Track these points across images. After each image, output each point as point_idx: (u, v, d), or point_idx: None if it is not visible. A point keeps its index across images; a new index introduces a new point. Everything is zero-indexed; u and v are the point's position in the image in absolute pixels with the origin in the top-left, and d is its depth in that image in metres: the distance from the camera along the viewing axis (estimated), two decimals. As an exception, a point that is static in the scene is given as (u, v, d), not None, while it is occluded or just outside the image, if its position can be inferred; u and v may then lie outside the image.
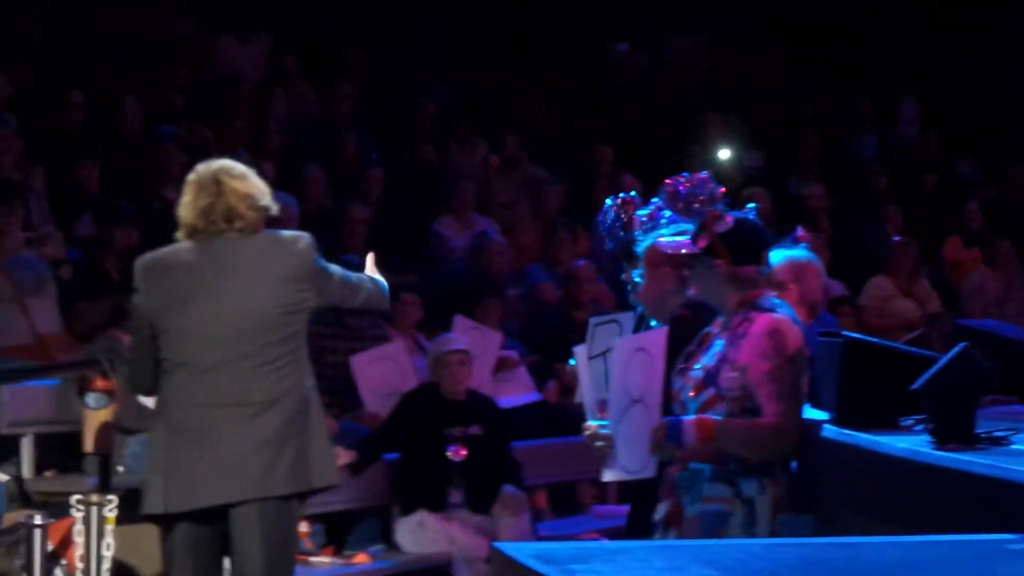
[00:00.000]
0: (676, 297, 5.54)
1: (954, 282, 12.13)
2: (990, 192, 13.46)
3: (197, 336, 5.54)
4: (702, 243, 5.32)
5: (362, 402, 9.04)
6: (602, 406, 5.56)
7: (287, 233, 5.67)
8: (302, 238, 5.61)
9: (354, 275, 5.79)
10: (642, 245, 5.61)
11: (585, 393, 5.74)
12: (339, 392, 9.06)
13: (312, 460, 5.49)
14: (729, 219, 5.33)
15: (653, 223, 5.64)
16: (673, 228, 5.58)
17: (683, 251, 5.39)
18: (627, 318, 5.96)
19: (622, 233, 5.89)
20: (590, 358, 5.88)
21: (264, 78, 12.38)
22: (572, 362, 6.01)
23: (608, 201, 5.95)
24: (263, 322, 5.49)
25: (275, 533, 5.45)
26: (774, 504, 5.20)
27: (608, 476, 5.39)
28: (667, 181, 5.51)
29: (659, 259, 5.55)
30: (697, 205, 5.41)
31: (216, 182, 5.57)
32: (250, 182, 5.61)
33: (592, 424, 5.56)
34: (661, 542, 5.02)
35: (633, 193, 5.90)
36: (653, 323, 5.78)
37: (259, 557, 5.41)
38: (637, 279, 5.63)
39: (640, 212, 5.71)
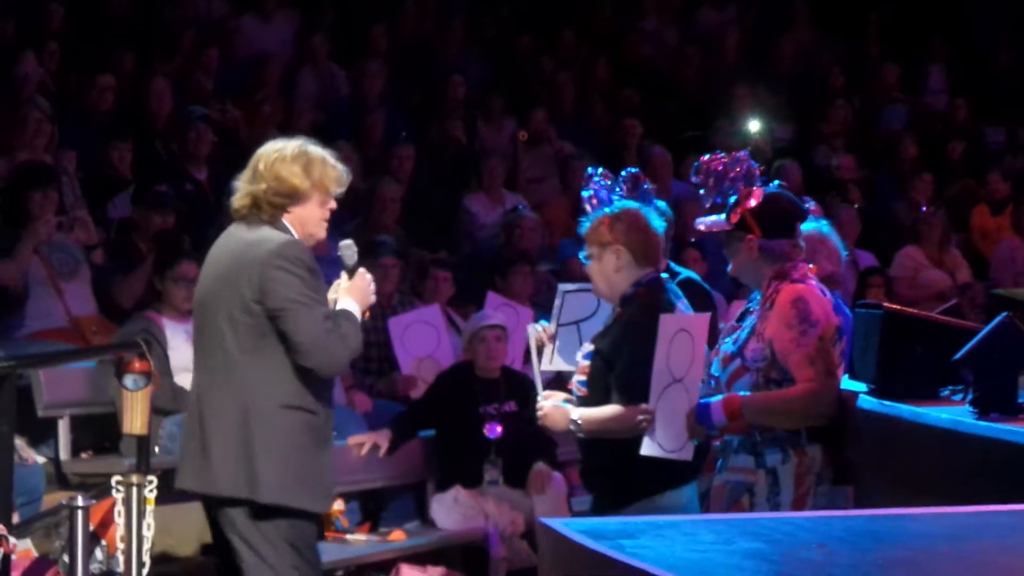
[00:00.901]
0: (627, 277, 5.54)
1: (983, 251, 12.09)
2: (1018, 160, 13.42)
3: (195, 319, 5.64)
4: (734, 219, 5.35)
5: (398, 366, 9.07)
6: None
7: (272, 233, 5.37)
8: (271, 242, 5.33)
9: (315, 323, 5.27)
10: (584, 225, 5.61)
11: (534, 367, 5.85)
12: (373, 362, 9.12)
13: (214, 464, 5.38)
14: (759, 193, 5.36)
15: (600, 203, 5.65)
16: (622, 205, 5.59)
17: (717, 229, 5.41)
18: None
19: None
20: (560, 325, 5.91)
21: (292, 57, 12.39)
22: (545, 322, 6.03)
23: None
24: (226, 316, 5.38)
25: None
26: (798, 473, 5.23)
27: (646, 450, 5.41)
28: (703, 159, 5.51)
29: (606, 239, 5.53)
30: (728, 183, 5.42)
31: (253, 166, 5.46)
32: (285, 169, 5.33)
33: (544, 403, 5.59)
34: (709, 516, 5.04)
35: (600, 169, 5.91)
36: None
37: None
38: (583, 260, 5.62)
39: (585, 192, 5.72)
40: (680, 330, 5.30)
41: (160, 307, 8.04)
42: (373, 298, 5.55)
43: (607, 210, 5.56)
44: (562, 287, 6.05)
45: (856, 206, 11.82)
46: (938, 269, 11.35)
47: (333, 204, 5.47)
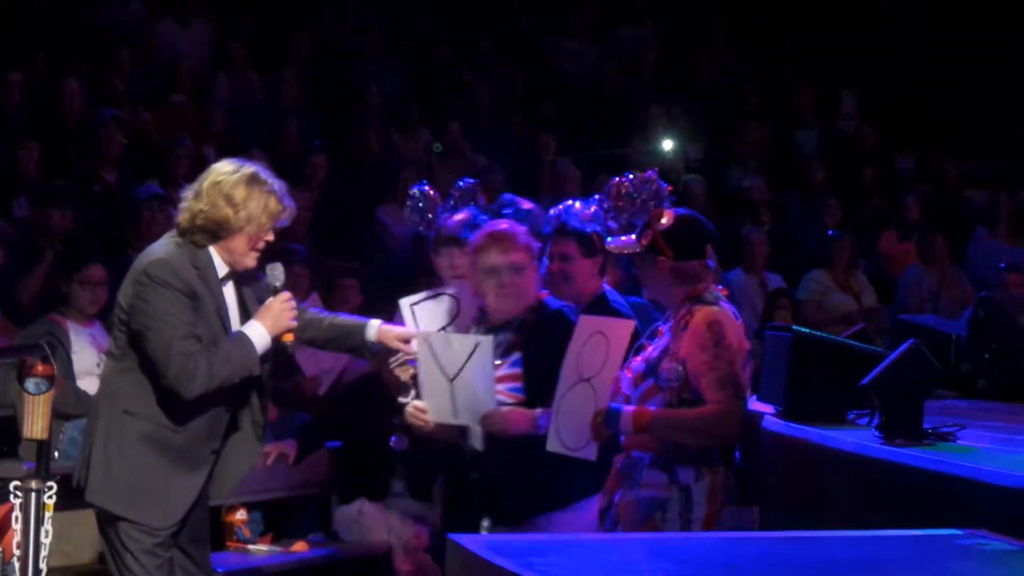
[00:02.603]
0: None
1: (890, 276, 12.20)
2: (927, 187, 13.56)
3: None
4: (645, 240, 5.38)
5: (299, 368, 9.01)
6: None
7: (159, 248, 5.40)
8: (142, 259, 5.37)
9: (172, 342, 5.25)
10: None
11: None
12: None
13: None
14: (671, 215, 5.40)
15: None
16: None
17: (628, 250, 5.45)
18: (462, 288, 5.92)
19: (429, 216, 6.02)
20: (451, 380, 5.84)
21: (208, 62, 12.30)
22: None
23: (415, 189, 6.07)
24: (113, 321, 5.48)
25: None
26: (711, 491, 5.25)
27: (550, 447, 5.45)
28: (612, 180, 5.56)
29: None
30: (640, 203, 5.46)
31: (200, 182, 5.43)
32: (221, 198, 5.32)
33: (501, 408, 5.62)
34: (618, 535, 5.04)
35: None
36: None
37: None
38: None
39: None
40: (597, 332, 5.35)
41: (65, 310, 7.93)
42: (292, 322, 5.46)
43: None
44: (404, 301, 5.97)
45: (766, 228, 11.89)
46: (844, 293, 11.44)
47: (269, 237, 5.42)
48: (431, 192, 6.10)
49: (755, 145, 13.53)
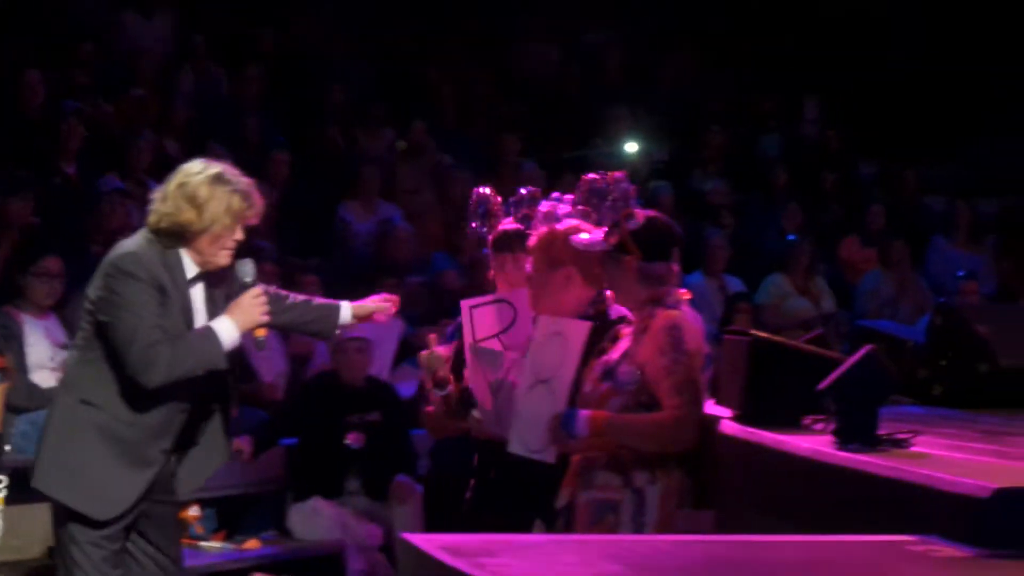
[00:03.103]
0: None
1: (850, 281, 12.25)
2: (887, 193, 13.62)
3: None
4: (613, 240, 5.37)
5: (257, 374, 8.99)
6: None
7: (129, 242, 5.41)
8: (112, 252, 5.38)
9: (136, 329, 5.23)
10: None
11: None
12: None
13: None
14: (640, 216, 5.39)
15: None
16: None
17: (597, 248, 5.44)
18: (519, 296, 5.89)
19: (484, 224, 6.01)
20: (478, 341, 5.87)
21: (170, 55, 12.25)
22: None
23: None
24: (82, 313, 5.48)
25: None
26: (664, 495, 5.25)
27: (512, 448, 5.45)
28: (584, 177, 5.54)
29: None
30: (609, 203, 5.44)
31: (168, 184, 5.39)
32: (184, 202, 5.30)
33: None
34: (571, 536, 5.03)
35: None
36: None
37: None
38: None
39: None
40: (555, 332, 5.34)
41: (20, 302, 7.88)
42: (263, 317, 5.44)
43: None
44: (464, 302, 5.92)
45: (727, 231, 11.92)
46: (803, 297, 11.47)
47: (238, 235, 5.40)
48: (495, 197, 6.04)
49: (718, 149, 13.55)
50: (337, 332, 5.80)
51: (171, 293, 5.32)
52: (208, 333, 5.33)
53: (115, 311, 5.27)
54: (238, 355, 5.54)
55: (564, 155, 12.54)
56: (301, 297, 5.80)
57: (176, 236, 5.33)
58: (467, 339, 5.84)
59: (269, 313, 5.53)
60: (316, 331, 5.84)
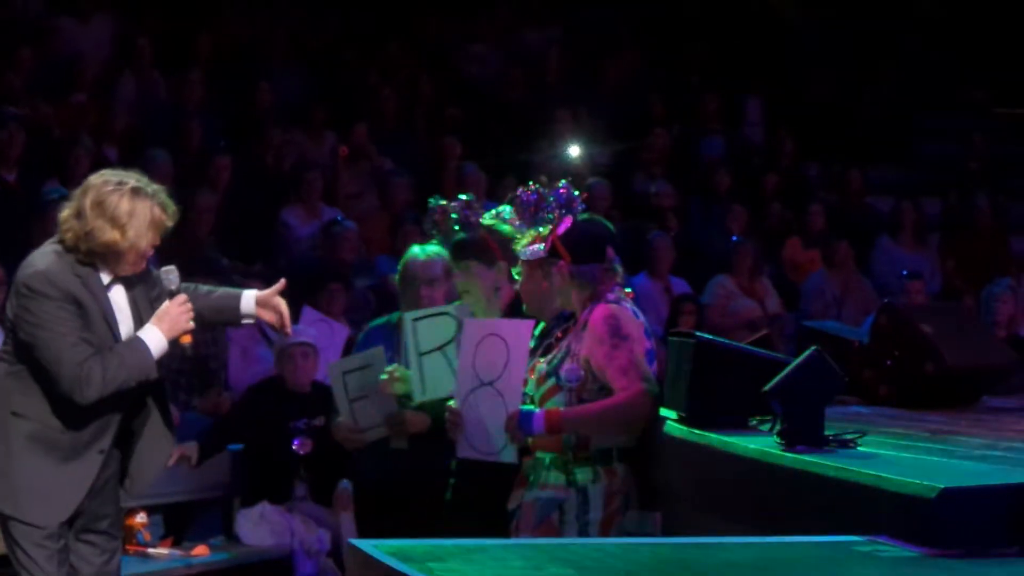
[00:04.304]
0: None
1: (794, 282, 12.30)
2: (831, 194, 13.68)
3: None
4: (547, 246, 5.45)
5: (224, 382, 8.94)
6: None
7: (37, 257, 5.35)
8: (21, 270, 5.36)
9: (61, 349, 5.22)
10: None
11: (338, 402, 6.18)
12: (184, 375, 8.99)
13: None
14: (568, 220, 5.46)
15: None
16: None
17: (535, 257, 5.51)
18: (462, 309, 5.98)
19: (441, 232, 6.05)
20: (421, 354, 5.89)
21: (108, 59, 12.16)
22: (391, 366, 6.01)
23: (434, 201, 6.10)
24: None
25: None
26: (608, 493, 5.30)
27: (461, 453, 5.49)
28: (516, 193, 5.60)
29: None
30: (542, 212, 5.50)
31: (79, 201, 5.32)
32: (102, 222, 5.25)
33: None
34: (518, 540, 5.05)
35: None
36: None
37: None
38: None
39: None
40: (490, 334, 5.39)
41: (-38, 310, 7.81)
42: (189, 324, 5.42)
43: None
44: (409, 315, 6.00)
45: (672, 233, 11.94)
46: (749, 298, 11.51)
47: (156, 243, 5.38)
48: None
49: (660, 151, 13.57)
50: (246, 321, 5.71)
51: (87, 303, 5.30)
52: (138, 344, 5.33)
53: (35, 331, 5.25)
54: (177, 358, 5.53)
55: (506, 158, 12.52)
56: (206, 287, 5.77)
57: (99, 256, 5.29)
58: (411, 351, 5.88)
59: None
60: (224, 320, 5.82)
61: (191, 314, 5.43)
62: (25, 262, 5.38)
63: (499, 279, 6.03)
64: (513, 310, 5.88)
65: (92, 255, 5.30)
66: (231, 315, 5.71)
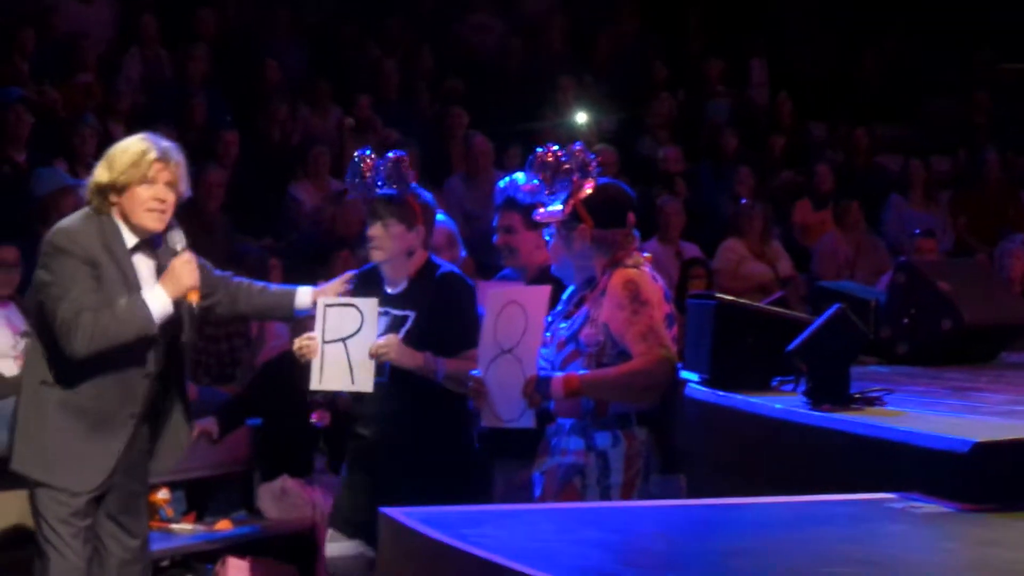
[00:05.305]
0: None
1: (805, 244, 12.28)
2: (839, 154, 13.66)
3: None
4: (567, 209, 5.44)
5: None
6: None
7: (65, 220, 5.54)
8: (54, 227, 5.49)
9: (60, 300, 5.33)
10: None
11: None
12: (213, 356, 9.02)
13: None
14: (591, 184, 5.45)
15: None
16: None
17: (553, 219, 5.50)
18: (368, 304, 5.90)
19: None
20: (324, 342, 5.88)
21: (112, 38, 12.14)
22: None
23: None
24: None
25: None
26: (627, 456, 5.30)
27: (485, 422, 5.51)
28: (537, 152, 5.57)
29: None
30: (563, 174, 5.48)
31: None
32: (99, 166, 5.50)
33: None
34: (549, 505, 5.05)
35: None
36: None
37: None
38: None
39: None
40: (510, 302, 5.40)
41: (-23, 292, 7.84)
42: (193, 282, 5.47)
43: None
44: (322, 301, 5.94)
45: (681, 197, 11.92)
46: (759, 261, 11.50)
47: (164, 195, 5.44)
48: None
49: (666, 116, 13.55)
50: (300, 316, 5.95)
51: (105, 265, 5.40)
52: (136, 301, 5.39)
53: (48, 289, 5.37)
54: (187, 325, 5.57)
55: (512, 128, 12.50)
56: (259, 284, 5.97)
57: (100, 196, 5.43)
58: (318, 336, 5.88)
59: (234, 299, 5.77)
60: (278, 316, 6.06)
61: (195, 272, 5.49)
62: (56, 224, 5.50)
63: (415, 243, 6.00)
64: (543, 276, 5.87)
65: (99, 198, 5.42)
66: (285, 312, 5.92)
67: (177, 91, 11.74)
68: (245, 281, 5.90)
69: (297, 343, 5.96)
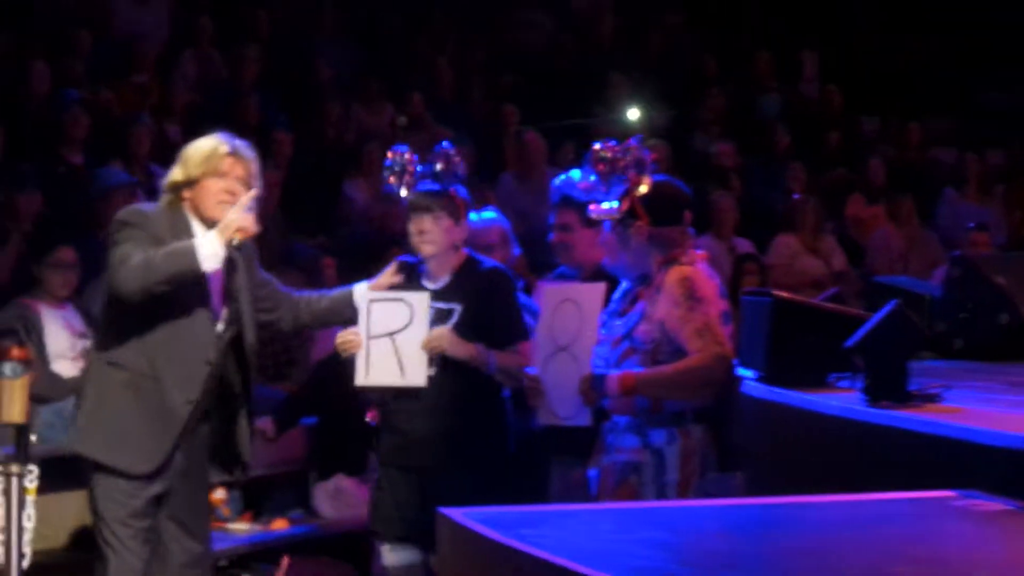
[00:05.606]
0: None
1: (858, 239, 12.23)
2: (891, 149, 13.59)
3: None
4: (624, 206, 5.43)
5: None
6: None
7: (138, 204, 5.82)
8: (122, 210, 5.65)
9: (128, 255, 5.42)
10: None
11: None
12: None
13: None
14: (649, 181, 5.44)
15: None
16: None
17: (609, 216, 5.50)
18: (419, 298, 5.90)
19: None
20: (370, 337, 5.87)
21: (168, 39, 12.21)
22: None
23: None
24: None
25: None
26: (683, 455, 5.30)
27: (542, 419, 5.51)
28: (594, 147, 5.57)
29: None
30: (621, 170, 5.48)
31: None
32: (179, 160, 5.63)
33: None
34: (607, 505, 5.06)
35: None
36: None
37: None
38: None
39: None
40: (565, 300, 5.41)
41: (37, 293, 7.89)
42: (243, 222, 5.44)
43: None
44: (368, 296, 5.95)
45: (734, 193, 11.89)
46: (813, 257, 11.45)
47: (231, 186, 5.53)
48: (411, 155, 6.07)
49: (718, 111, 13.52)
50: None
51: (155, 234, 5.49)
52: (186, 242, 5.44)
53: (111, 251, 5.47)
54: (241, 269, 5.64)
55: (564, 124, 12.49)
56: (316, 293, 6.07)
57: (173, 192, 5.57)
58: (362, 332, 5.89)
59: (296, 313, 5.91)
60: (340, 319, 6.05)
61: (249, 213, 5.47)
62: None
63: (460, 237, 6.00)
64: (599, 274, 5.87)
65: (171, 194, 5.56)
66: (346, 313, 5.96)
67: (231, 91, 11.80)
68: (304, 294, 6.00)
69: (339, 338, 5.95)
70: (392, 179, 6.00)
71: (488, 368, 5.81)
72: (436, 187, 5.95)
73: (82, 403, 5.62)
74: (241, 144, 5.62)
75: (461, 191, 6.02)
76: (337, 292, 6.05)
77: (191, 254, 5.36)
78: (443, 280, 6.00)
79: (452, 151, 5.98)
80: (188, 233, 5.51)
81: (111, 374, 5.54)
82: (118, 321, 5.53)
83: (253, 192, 5.53)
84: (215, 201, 5.53)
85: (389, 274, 5.98)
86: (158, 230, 5.47)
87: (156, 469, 5.54)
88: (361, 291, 5.94)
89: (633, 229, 5.45)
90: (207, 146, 5.56)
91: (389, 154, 6.08)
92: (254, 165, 5.62)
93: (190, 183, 5.53)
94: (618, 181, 5.51)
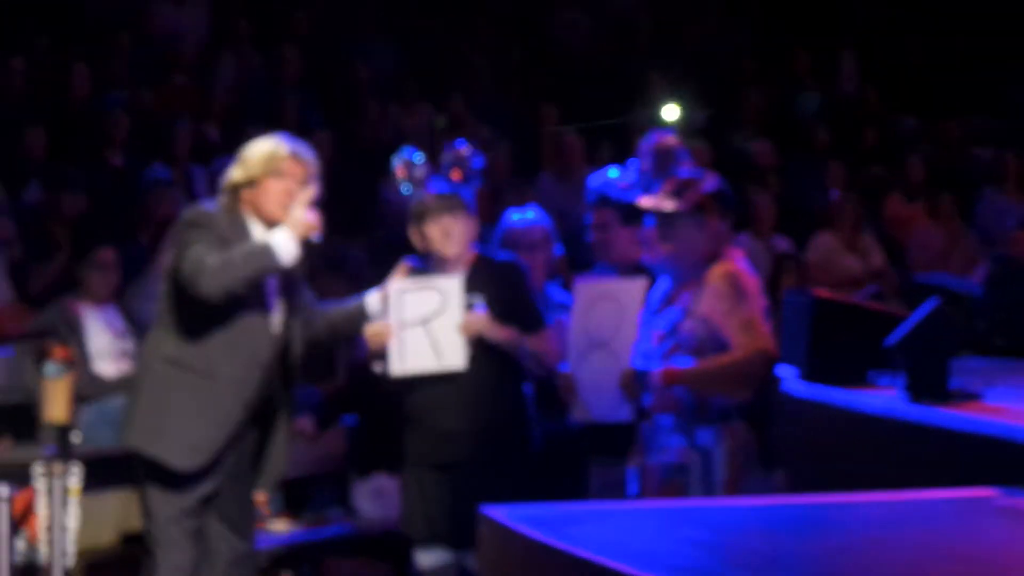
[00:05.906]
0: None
1: (898, 237, 12.18)
2: (929, 147, 13.53)
3: None
4: (689, 201, 5.42)
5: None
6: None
7: (200, 205, 5.82)
8: (185, 211, 5.74)
9: (188, 253, 5.49)
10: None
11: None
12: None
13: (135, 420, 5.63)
14: (713, 179, 5.48)
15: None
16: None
17: (667, 209, 5.47)
18: (451, 283, 5.91)
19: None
20: (402, 328, 5.89)
21: (206, 40, 12.26)
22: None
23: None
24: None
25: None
26: (731, 454, 5.29)
27: (578, 417, 5.51)
28: (649, 136, 5.58)
29: None
30: (671, 165, 5.50)
31: None
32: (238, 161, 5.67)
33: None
34: (650, 503, 5.05)
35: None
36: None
37: None
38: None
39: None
40: (602, 297, 5.42)
41: (79, 294, 7.94)
42: (311, 221, 5.53)
43: None
44: (396, 287, 5.96)
45: (772, 192, 11.86)
46: (852, 255, 11.42)
47: (292, 188, 5.58)
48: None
49: (755, 110, 13.49)
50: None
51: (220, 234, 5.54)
52: (261, 242, 5.49)
53: (180, 253, 5.50)
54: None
55: (603, 123, 12.49)
56: (327, 306, 6.05)
57: (232, 197, 5.60)
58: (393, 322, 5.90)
59: (313, 330, 5.88)
60: (354, 329, 6.10)
61: (311, 216, 5.54)
62: None
63: (476, 234, 6.03)
64: (637, 273, 5.87)
65: (229, 196, 5.59)
66: (360, 323, 5.99)
67: (269, 92, 11.84)
68: (318, 307, 5.98)
69: (370, 330, 5.97)
70: (454, 174, 6.03)
71: (521, 352, 5.81)
72: (447, 188, 5.98)
73: (137, 399, 5.65)
74: (300, 145, 5.68)
75: (465, 192, 6.04)
76: (350, 304, 6.04)
77: (270, 253, 5.42)
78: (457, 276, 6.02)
79: (465, 148, 6.00)
80: (246, 233, 5.55)
81: (168, 372, 5.58)
82: (178, 320, 5.57)
83: (312, 191, 5.56)
84: (276, 202, 5.57)
85: (399, 279, 5.98)
86: (223, 231, 5.53)
87: (207, 468, 5.58)
88: (373, 298, 5.95)
89: (704, 224, 5.42)
90: (267, 147, 5.61)
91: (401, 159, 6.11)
92: (312, 166, 5.67)
93: (250, 183, 5.57)
94: (668, 173, 5.54)
